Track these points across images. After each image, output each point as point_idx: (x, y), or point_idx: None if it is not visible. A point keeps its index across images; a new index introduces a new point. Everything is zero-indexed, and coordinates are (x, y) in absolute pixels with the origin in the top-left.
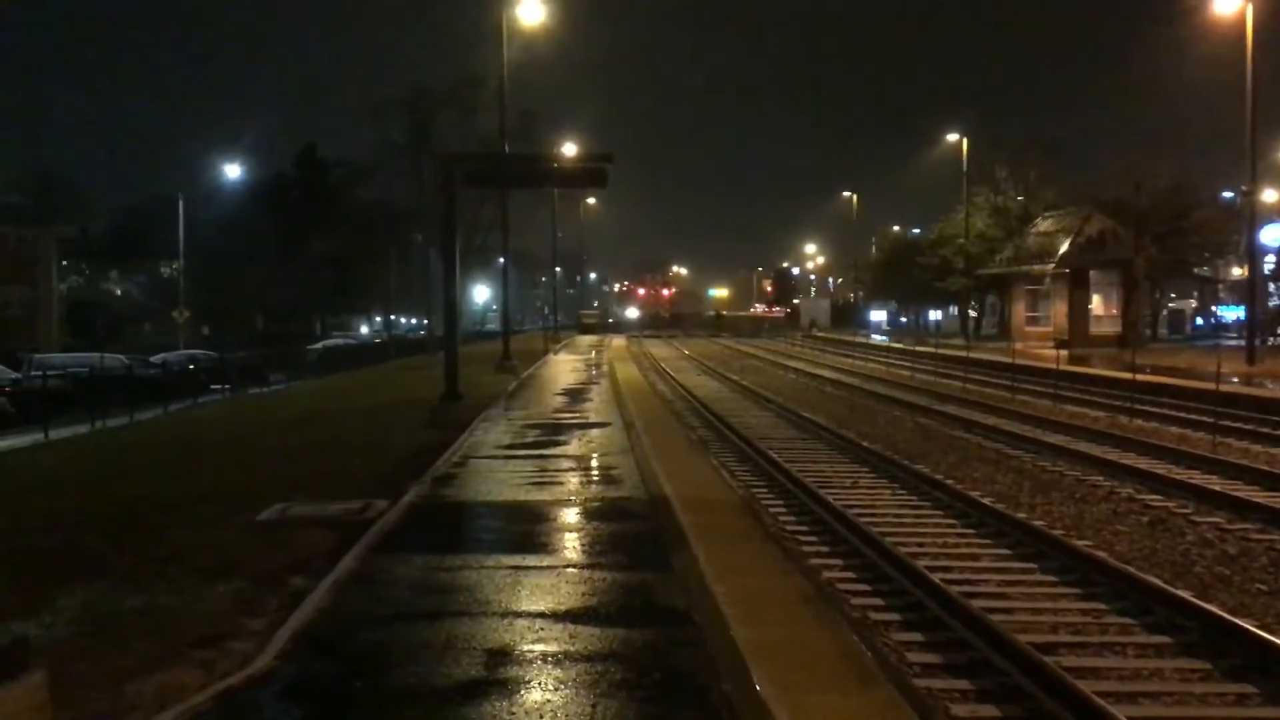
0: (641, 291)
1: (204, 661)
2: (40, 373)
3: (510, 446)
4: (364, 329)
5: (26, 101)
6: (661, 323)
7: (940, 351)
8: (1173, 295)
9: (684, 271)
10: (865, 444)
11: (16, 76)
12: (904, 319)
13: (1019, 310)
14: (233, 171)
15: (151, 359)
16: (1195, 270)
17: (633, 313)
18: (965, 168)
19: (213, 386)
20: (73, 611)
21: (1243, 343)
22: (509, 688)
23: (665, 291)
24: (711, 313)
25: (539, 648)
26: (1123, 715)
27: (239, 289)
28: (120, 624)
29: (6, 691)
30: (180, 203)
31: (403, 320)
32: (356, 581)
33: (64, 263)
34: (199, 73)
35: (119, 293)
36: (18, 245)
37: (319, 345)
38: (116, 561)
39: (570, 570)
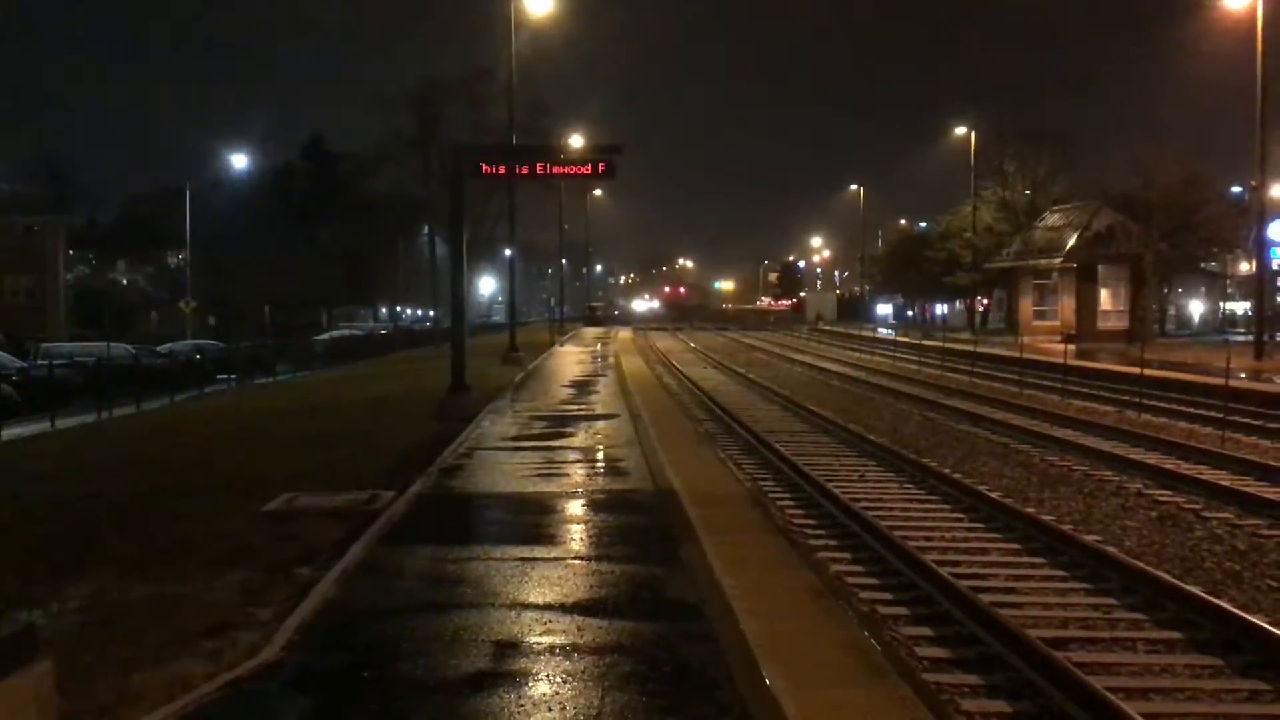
0: (666, 289)
1: (211, 651)
2: (47, 361)
3: (517, 438)
4: (371, 320)
5: (35, 91)
6: (668, 315)
7: (947, 345)
8: (1180, 290)
9: (690, 264)
10: (872, 438)
11: (24, 65)
12: (910, 313)
13: (1026, 305)
14: (240, 162)
15: (158, 349)
16: (1204, 266)
17: (638, 305)
18: (973, 161)
19: (219, 377)
20: (80, 601)
21: (1251, 338)
22: (517, 680)
23: (682, 290)
24: (719, 305)
25: (547, 640)
26: (1135, 711)
27: (246, 280)
28: (127, 614)
29: (13, 681)
30: (188, 193)
31: (409, 311)
32: (364, 572)
33: (71, 252)
34: (208, 63)
35: (126, 282)
36: (25, 234)
37: (326, 336)
38: (123, 551)
39: (578, 562)
